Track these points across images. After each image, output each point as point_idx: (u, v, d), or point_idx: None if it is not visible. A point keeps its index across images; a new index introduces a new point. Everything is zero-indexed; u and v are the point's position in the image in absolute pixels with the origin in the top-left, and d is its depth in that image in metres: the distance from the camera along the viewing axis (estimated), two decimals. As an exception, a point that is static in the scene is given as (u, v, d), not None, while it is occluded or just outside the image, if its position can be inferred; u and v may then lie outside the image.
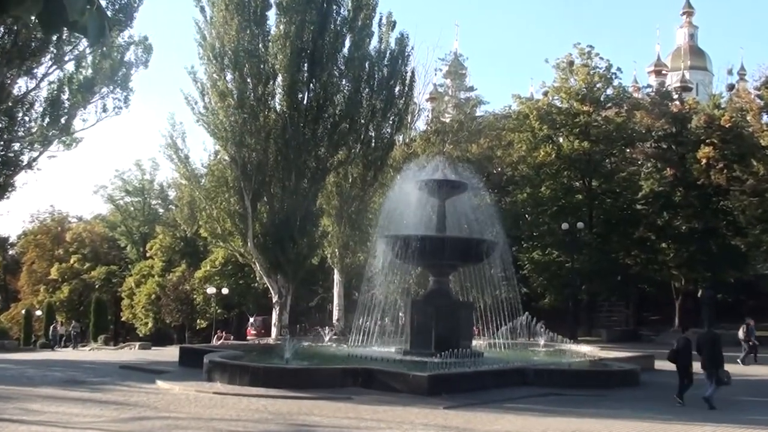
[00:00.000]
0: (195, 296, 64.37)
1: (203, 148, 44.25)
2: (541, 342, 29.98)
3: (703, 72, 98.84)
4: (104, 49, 32.51)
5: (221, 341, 46.12)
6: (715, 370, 19.16)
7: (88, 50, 32.74)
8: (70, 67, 33.96)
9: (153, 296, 68.39)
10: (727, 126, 50.48)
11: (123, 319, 74.24)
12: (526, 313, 29.95)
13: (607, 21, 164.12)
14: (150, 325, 68.90)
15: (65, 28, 3.50)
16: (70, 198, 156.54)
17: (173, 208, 67.48)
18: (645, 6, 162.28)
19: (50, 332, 64.05)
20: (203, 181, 44.30)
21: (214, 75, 40.24)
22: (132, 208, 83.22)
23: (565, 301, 52.21)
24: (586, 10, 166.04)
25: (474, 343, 28.09)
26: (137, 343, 52.72)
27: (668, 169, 53.83)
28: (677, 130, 53.99)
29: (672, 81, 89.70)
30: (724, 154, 49.63)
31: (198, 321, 66.02)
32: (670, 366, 28.93)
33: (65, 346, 58.23)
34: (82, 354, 46.62)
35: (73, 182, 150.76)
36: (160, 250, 73.42)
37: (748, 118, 52.53)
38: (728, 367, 19.85)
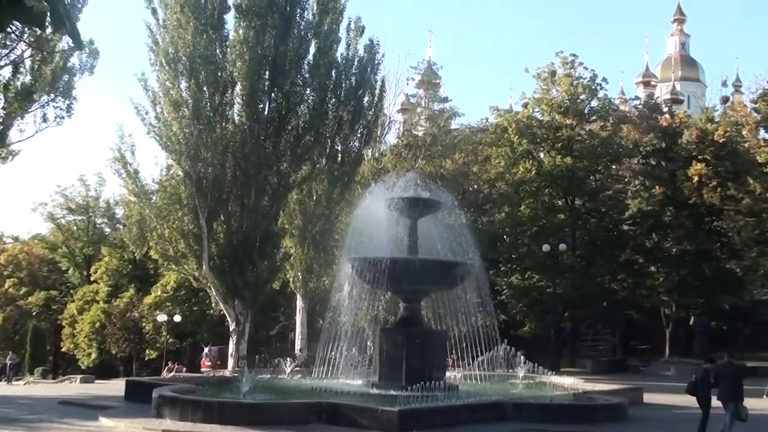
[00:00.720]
0: (144, 324, 63.66)
1: (155, 163, 44.48)
2: (521, 373, 30.01)
3: (696, 83, 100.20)
4: (44, 53, 32.32)
5: (172, 373, 45.69)
6: (733, 403, 19.11)
7: (26, 53, 32.52)
8: (5, 72, 33.59)
9: (97, 324, 67.31)
10: (720, 141, 51.09)
11: (63, 349, 73.01)
12: (504, 342, 30.02)
13: (593, 28, 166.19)
14: (93, 356, 67.77)
15: (16, 21, 3.53)
16: (5, 216, 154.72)
17: (121, 227, 66.75)
18: (633, 13, 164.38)
19: (-18, 365, 63.02)
20: (154, 198, 44.09)
21: (167, 83, 40.13)
22: (75, 228, 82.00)
23: (546, 329, 52.43)
24: (569, 16, 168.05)
25: (448, 374, 28.12)
26: (79, 376, 52.16)
27: (657, 187, 54.32)
28: (667, 145, 54.56)
29: (662, 93, 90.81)
30: (718, 171, 50.20)
31: (147, 351, 65.17)
32: (661, 399, 29.16)
33: None
34: (17, 389, 45.99)
35: (9, 199, 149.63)
36: (105, 274, 72.45)
37: (743, 132, 53.29)
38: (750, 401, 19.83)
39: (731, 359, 21.17)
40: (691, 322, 55.57)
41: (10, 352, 65.58)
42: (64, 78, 34.63)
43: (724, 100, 71.86)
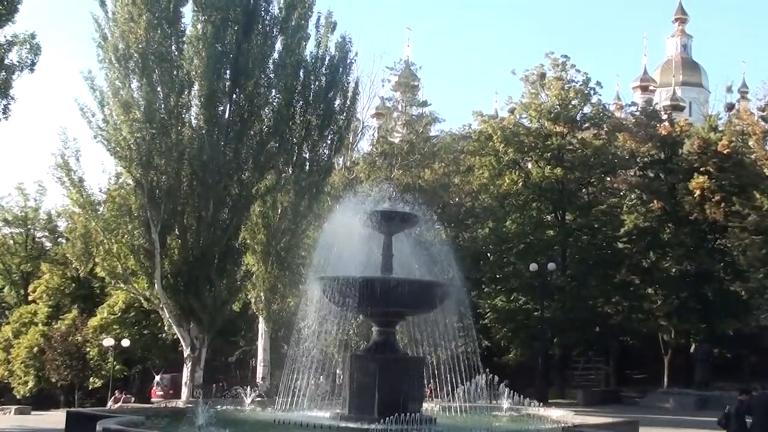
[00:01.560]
0: (88, 349, 63.38)
1: (102, 170, 44.44)
2: (505, 405, 30.08)
3: (698, 89, 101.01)
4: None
5: (119, 404, 45.57)
6: None
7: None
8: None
9: (35, 349, 66.76)
10: (725, 152, 51.57)
11: (-3, 376, 72.70)
12: (487, 370, 30.09)
13: (586, 28, 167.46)
14: (31, 384, 67.25)
15: None
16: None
17: (63, 241, 66.57)
18: (630, 12, 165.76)
19: None
20: (101, 209, 43.91)
21: (117, 82, 40.01)
22: (11, 242, 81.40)
23: (533, 356, 52.73)
24: (560, 15, 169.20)
25: (425, 406, 28.12)
26: (14, 407, 51.94)
27: (655, 201, 54.76)
28: (666, 156, 55.07)
29: (661, 98, 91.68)
30: (722, 184, 50.61)
31: (91, 380, 64.85)
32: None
33: None
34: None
35: None
36: (45, 293, 72.04)
37: (750, 143, 53.70)
38: None
39: (766, 390, 21.54)
40: (692, 349, 55.92)
41: None
42: (1, 76, 34.43)
43: (729, 107, 72.58)
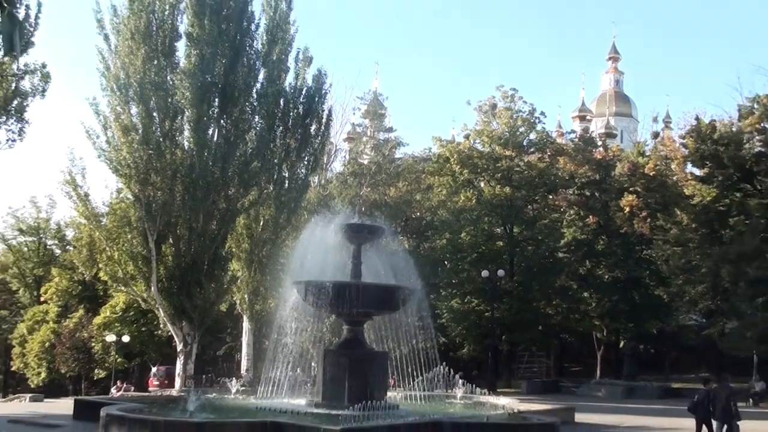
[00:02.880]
0: (93, 344, 62.80)
1: (105, 186, 43.98)
2: (459, 394, 30.20)
3: (628, 119, 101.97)
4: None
5: (121, 392, 45.13)
6: (727, 422, 20.69)
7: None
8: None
9: (47, 344, 66.40)
10: (651, 174, 52.14)
11: (13, 368, 72.08)
12: (444, 363, 30.22)
13: (532, 64, 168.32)
14: (43, 375, 66.85)
15: None
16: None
17: (71, 249, 66.06)
18: (570, 51, 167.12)
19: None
20: (104, 220, 43.61)
21: (118, 108, 39.83)
22: (26, 249, 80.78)
23: (484, 351, 52.80)
24: (510, 51, 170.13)
25: (389, 394, 28.19)
26: (28, 395, 51.31)
27: (591, 216, 55.26)
28: (601, 177, 55.55)
29: (596, 127, 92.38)
30: (648, 202, 51.16)
31: (96, 371, 64.24)
32: (591, 419, 29.65)
33: None
34: (-34, 407, 45.18)
35: None
36: (55, 295, 71.52)
37: (672, 166, 54.43)
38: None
39: (726, 382, 22.42)
40: (621, 345, 56.45)
41: None
42: (16, 101, 34.25)
43: (655, 135, 73.30)
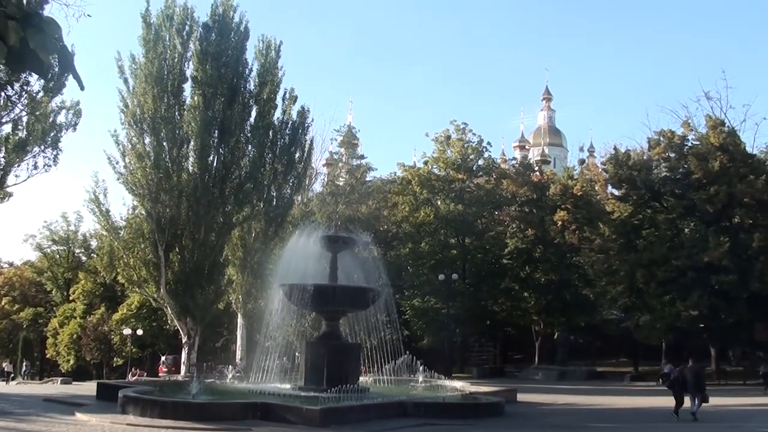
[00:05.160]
0: (112, 336, 63.25)
1: (122, 203, 43.30)
2: (420, 378, 30.29)
3: (560, 148, 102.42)
4: (37, 114, 31.89)
5: (135, 378, 44.96)
6: (699, 393, 22.20)
7: (24, 112, 32.03)
8: (7, 128, 33.05)
9: (75, 336, 67.20)
10: (578, 194, 52.56)
11: (47, 356, 72.82)
12: (407, 352, 30.30)
13: (481, 102, 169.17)
14: (72, 362, 67.52)
15: (30, 71, 3.67)
16: (1, 246, 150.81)
17: (95, 256, 65.58)
18: (512, 92, 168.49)
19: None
20: (122, 232, 43.33)
21: (134, 138, 39.67)
22: (58, 256, 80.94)
23: (441, 342, 52.79)
24: (462, 90, 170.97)
25: (361, 379, 28.21)
26: (60, 379, 51.29)
27: (530, 229, 55.50)
28: (537, 196, 55.87)
29: (534, 155, 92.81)
30: (576, 217, 51.47)
31: (115, 359, 64.67)
32: (531, 398, 29.85)
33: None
34: (10, 388, 44.87)
35: (5, 232, 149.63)
36: (82, 294, 71.99)
37: (596, 187, 54.95)
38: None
39: (697, 363, 23.72)
40: (555, 336, 56.65)
41: (7, 361, 66.95)
42: (52, 133, 34.09)
43: (581, 162, 74.04)
